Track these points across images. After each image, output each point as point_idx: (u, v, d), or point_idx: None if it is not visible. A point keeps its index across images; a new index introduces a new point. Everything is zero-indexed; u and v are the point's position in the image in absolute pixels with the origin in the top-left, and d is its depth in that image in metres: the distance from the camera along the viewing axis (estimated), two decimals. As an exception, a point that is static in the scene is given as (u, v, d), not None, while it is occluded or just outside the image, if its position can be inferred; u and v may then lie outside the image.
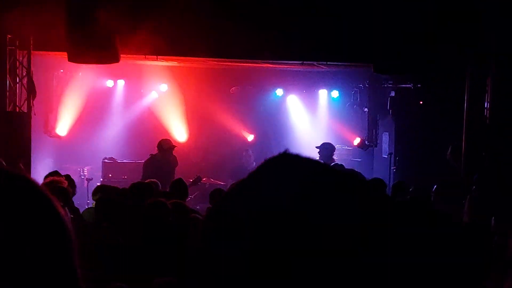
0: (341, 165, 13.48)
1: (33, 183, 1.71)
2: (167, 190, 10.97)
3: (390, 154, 15.49)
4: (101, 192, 9.63)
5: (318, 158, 14.15)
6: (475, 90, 11.81)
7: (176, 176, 14.02)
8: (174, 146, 14.60)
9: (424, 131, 14.34)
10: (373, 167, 17.17)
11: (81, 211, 10.24)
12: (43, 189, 1.72)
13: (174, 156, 14.65)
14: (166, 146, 14.40)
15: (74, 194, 10.22)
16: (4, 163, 11.04)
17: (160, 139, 14.70)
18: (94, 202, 9.92)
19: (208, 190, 13.11)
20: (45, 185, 9.33)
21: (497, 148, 11.51)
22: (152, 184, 10.09)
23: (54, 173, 10.46)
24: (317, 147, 14.50)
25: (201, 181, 15.62)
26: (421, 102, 14.54)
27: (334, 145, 14.68)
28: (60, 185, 9.25)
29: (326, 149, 14.37)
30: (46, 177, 10.15)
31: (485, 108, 11.65)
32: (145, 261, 6.73)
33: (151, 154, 14.47)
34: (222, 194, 6.35)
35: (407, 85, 14.94)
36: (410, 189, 10.63)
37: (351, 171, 12.47)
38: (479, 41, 11.72)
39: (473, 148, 11.73)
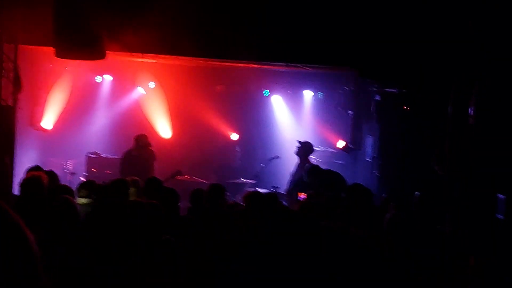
0: (316, 165, 13.51)
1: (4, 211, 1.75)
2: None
3: (373, 158, 15.55)
4: (87, 189, 9.63)
5: (296, 152, 14.23)
6: (460, 97, 11.86)
7: (157, 172, 14.06)
8: (150, 144, 14.61)
9: (408, 136, 14.39)
10: (356, 171, 17.22)
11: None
12: (10, 213, 1.76)
13: (151, 151, 14.68)
14: (141, 142, 14.45)
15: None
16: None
17: (137, 134, 14.74)
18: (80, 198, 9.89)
19: (191, 188, 13.12)
20: (25, 180, 9.33)
21: (482, 155, 11.58)
22: (127, 182, 10.08)
23: (36, 168, 10.44)
24: (298, 141, 14.56)
25: (185, 179, 15.65)
26: (405, 108, 14.60)
27: (314, 146, 14.68)
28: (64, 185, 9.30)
29: (304, 147, 14.42)
30: (27, 171, 10.14)
31: (470, 115, 11.71)
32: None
33: (128, 149, 14.56)
34: (203, 194, 6.38)
35: (392, 90, 14.99)
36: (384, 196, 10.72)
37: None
38: (465, 47, 11.79)
39: (457, 156, 11.80)
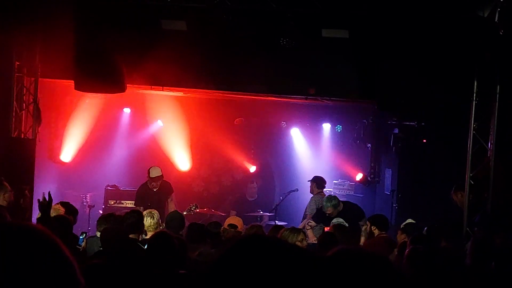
0: (334, 197, 13.46)
1: (44, 234, 1.78)
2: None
3: (392, 191, 15.49)
4: (105, 223, 9.62)
5: (309, 190, 14.23)
6: (479, 130, 11.84)
7: (176, 205, 14.04)
8: (159, 176, 14.43)
9: (427, 170, 14.35)
10: (375, 204, 17.16)
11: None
12: (53, 238, 1.78)
13: (167, 183, 14.59)
14: (151, 175, 14.38)
15: (75, 222, 10.22)
16: (7, 183, 11.15)
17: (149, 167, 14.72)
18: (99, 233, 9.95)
19: (209, 221, 13.11)
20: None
21: (500, 189, 11.52)
22: (141, 213, 10.10)
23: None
24: (309, 181, 14.61)
25: (203, 211, 15.62)
26: (424, 140, 14.57)
27: (324, 178, 14.65)
28: (61, 215, 9.32)
29: (317, 182, 14.42)
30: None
31: (489, 149, 11.68)
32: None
33: (145, 182, 14.55)
34: (219, 227, 6.34)
35: (411, 123, 14.97)
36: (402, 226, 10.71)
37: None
38: (483, 81, 11.78)
39: (476, 189, 11.75)
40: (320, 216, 13.07)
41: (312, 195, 14.47)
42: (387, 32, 11.96)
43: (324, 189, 14.77)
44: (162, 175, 14.49)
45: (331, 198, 13.18)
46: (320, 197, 13.99)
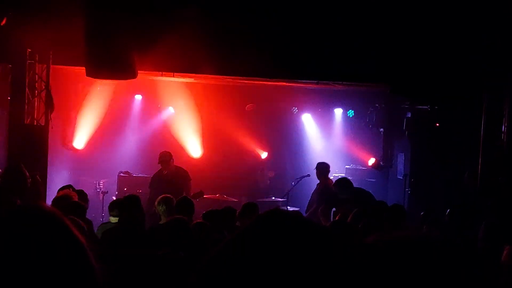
0: (344, 177, 13.44)
1: (57, 217, 1.78)
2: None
3: (405, 175, 15.44)
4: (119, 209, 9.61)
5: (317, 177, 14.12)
6: (492, 114, 11.78)
7: (192, 192, 13.98)
8: (166, 160, 14.27)
9: (440, 154, 14.30)
10: (388, 188, 17.12)
11: (95, 224, 10.36)
12: (65, 221, 1.79)
13: (183, 171, 14.40)
14: (162, 158, 14.19)
15: (86, 208, 10.24)
16: (25, 169, 11.23)
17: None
18: (110, 217, 9.99)
19: (222, 207, 13.08)
20: (57, 198, 9.46)
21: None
22: (138, 197, 10.07)
23: (66, 187, 10.60)
24: (315, 169, 14.47)
25: (215, 198, 15.60)
26: (437, 124, 14.51)
27: (328, 164, 14.47)
28: (75, 201, 9.34)
29: (320, 169, 14.26)
30: (59, 190, 10.29)
31: (502, 132, 11.62)
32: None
33: (159, 169, 14.43)
34: (235, 214, 6.32)
35: (424, 107, 14.91)
36: (422, 213, 10.65)
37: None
38: (497, 64, 11.71)
39: (489, 173, 11.69)
40: (330, 200, 13.00)
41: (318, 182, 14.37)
42: (401, 15, 11.93)
43: (335, 174, 14.70)
44: (167, 159, 14.22)
45: (341, 180, 13.15)
46: (326, 183, 13.87)
